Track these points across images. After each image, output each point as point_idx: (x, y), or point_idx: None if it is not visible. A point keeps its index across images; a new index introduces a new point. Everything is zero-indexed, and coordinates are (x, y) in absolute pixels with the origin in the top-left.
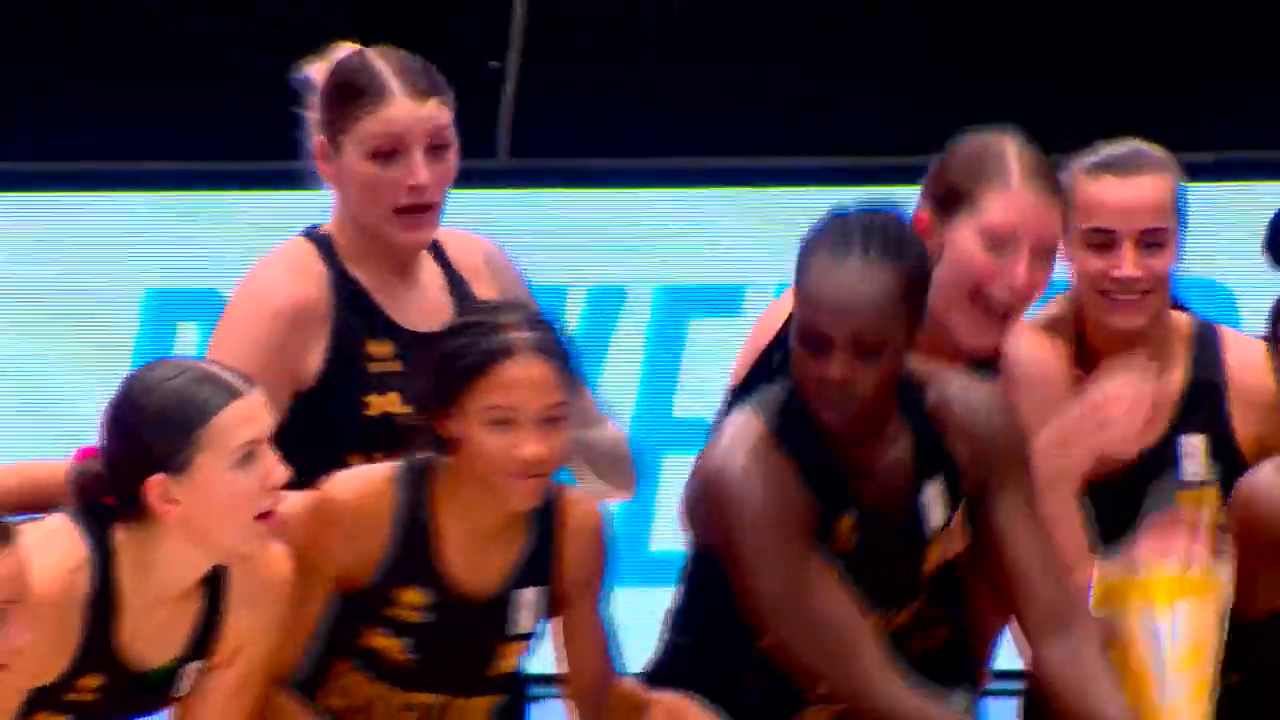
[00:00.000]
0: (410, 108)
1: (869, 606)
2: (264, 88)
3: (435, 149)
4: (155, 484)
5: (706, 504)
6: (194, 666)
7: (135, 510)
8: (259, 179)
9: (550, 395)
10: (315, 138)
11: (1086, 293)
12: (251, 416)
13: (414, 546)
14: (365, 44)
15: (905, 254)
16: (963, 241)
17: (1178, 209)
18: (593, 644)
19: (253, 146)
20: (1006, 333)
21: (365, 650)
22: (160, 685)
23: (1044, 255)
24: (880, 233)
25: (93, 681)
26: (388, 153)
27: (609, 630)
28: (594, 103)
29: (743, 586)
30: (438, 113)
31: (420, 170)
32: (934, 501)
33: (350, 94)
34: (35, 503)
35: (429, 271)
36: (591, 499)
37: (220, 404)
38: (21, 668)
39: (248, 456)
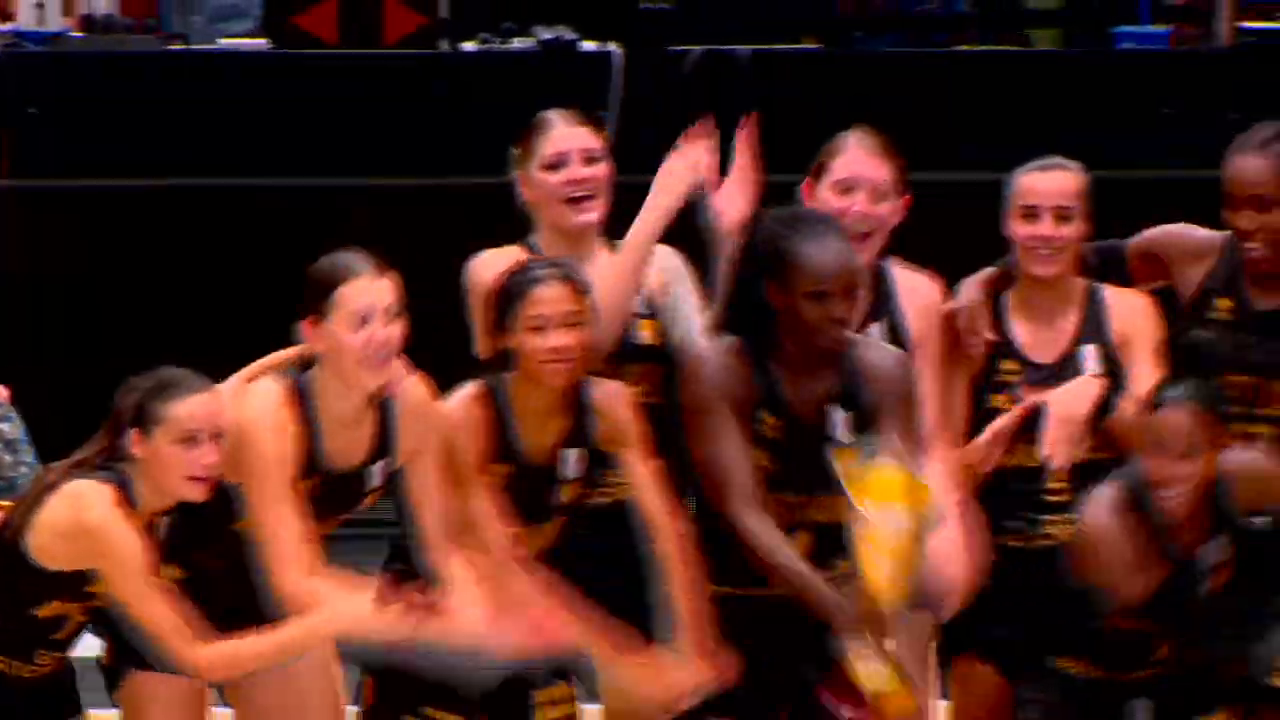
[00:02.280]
0: None
1: (782, 485)
2: None
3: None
4: (306, 326)
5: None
6: (379, 465)
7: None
8: None
9: (568, 304)
10: None
11: (1020, 251)
12: (369, 289)
13: (501, 428)
14: None
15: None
16: (823, 193)
17: (1084, 196)
18: (644, 491)
19: None
20: (868, 249)
21: None
22: (357, 482)
23: (876, 195)
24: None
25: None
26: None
27: (657, 480)
28: None
29: (689, 445)
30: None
31: None
32: (840, 423)
33: None
34: None
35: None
36: (618, 384)
37: (349, 276)
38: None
39: (365, 319)
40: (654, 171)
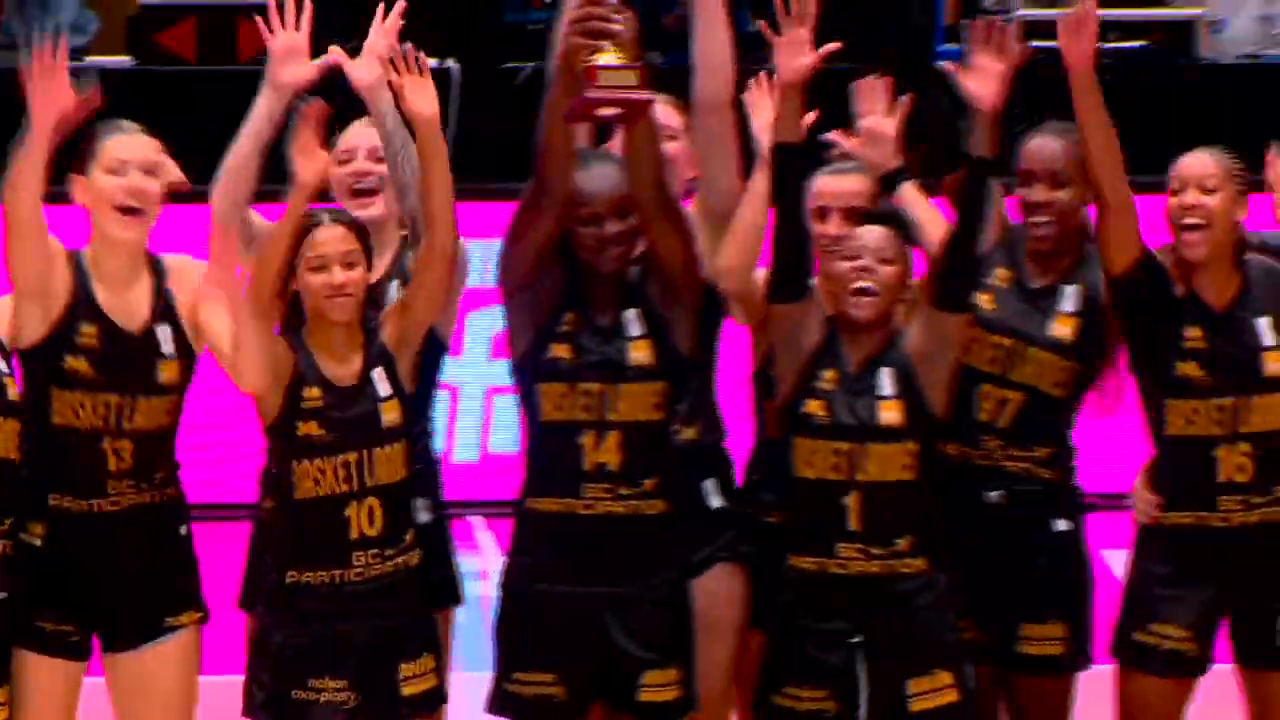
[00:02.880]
0: None
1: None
2: None
3: None
4: (76, 181)
5: None
6: (166, 329)
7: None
8: None
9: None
10: None
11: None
12: (128, 144)
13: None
14: None
15: None
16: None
17: (873, 197)
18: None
19: None
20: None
21: None
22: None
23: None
24: None
25: (89, 330)
26: None
27: None
28: None
29: None
30: None
31: None
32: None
33: None
34: None
35: None
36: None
37: (112, 132)
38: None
39: (119, 169)
40: (489, 173)
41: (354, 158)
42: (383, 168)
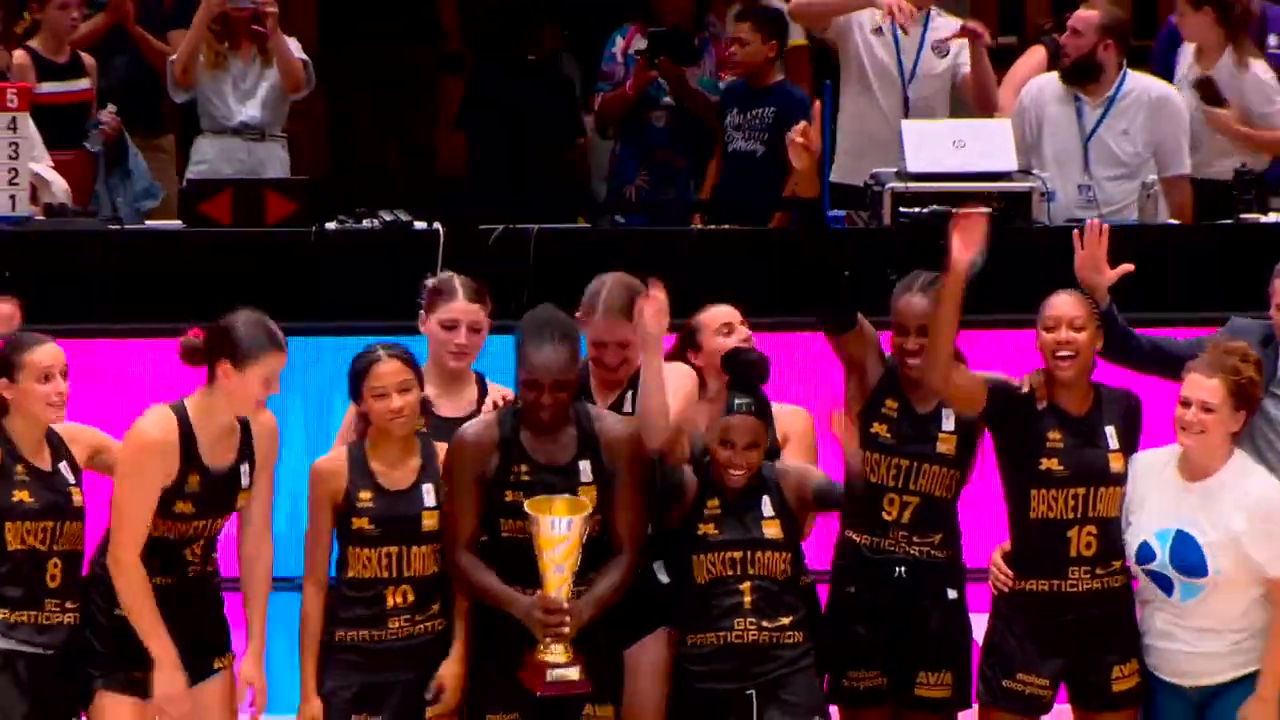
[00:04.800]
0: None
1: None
2: None
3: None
4: (224, 366)
5: None
6: (246, 467)
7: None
8: None
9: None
10: None
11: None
12: (280, 364)
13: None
14: None
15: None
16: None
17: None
18: None
19: None
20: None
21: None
22: (232, 480)
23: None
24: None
25: (194, 479)
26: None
27: None
28: None
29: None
30: None
31: None
32: (585, 471)
33: None
34: None
35: None
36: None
37: (270, 347)
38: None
39: (269, 382)
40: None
41: (458, 326)
42: (480, 338)
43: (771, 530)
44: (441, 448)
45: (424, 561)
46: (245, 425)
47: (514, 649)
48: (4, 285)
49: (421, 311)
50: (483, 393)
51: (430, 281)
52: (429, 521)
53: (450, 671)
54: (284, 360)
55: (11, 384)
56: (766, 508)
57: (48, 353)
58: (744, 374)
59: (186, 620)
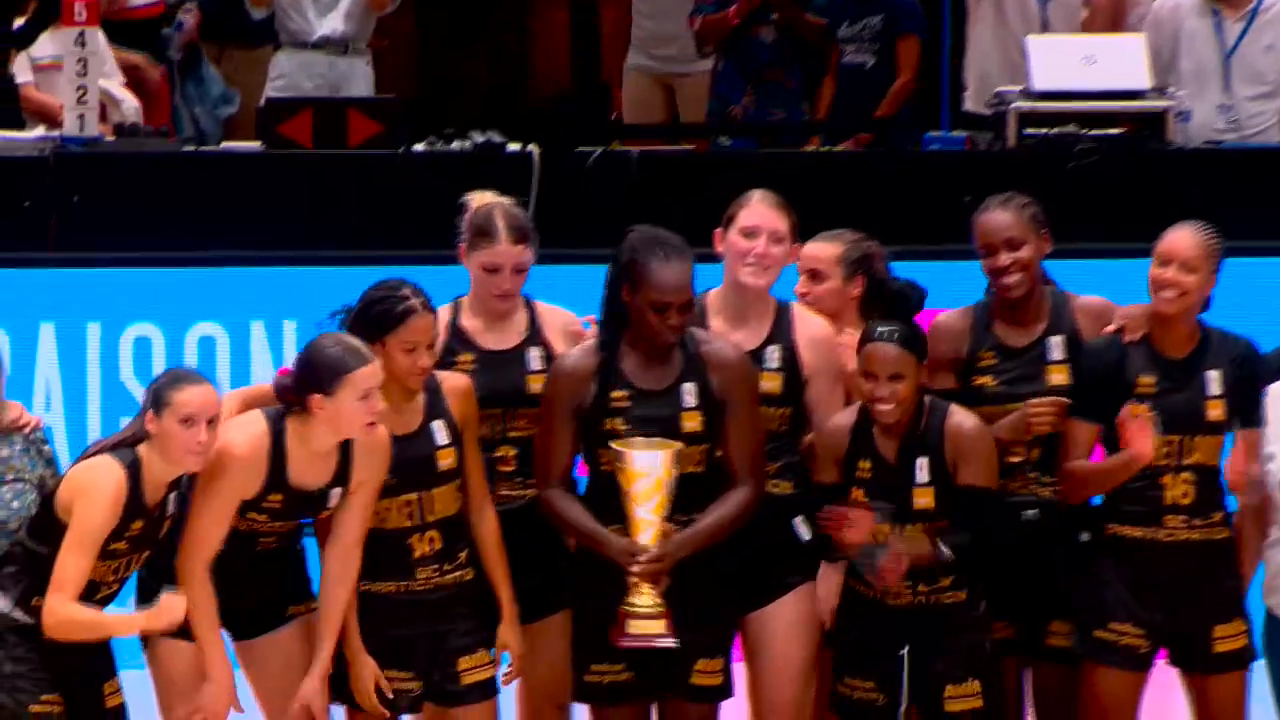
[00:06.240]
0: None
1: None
2: None
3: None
4: (316, 399)
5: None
6: (336, 491)
7: (303, 409)
8: None
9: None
10: None
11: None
12: (372, 376)
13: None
14: None
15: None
16: (731, 237)
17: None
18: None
19: None
20: (766, 280)
21: None
22: (318, 500)
23: (776, 240)
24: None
25: (275, 497)
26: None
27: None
28: None
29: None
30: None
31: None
32: (689, 395)
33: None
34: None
35: None
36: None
37: (357, 365)
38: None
39: (366, 396)
40: (564, 244)
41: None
42: (523, 278)
43: (923, 500)
44: (443, 378)
45: (446, 502)
46: (345, 447)
47: (617, 596)
48: (74, 209)
49: (461, 244)
50: (533, 318)
51: (468, 214)
52: (444, 461)
53: (510, 637)
54: (375, 371)
55: (156, 418)
56: (921, 472)
57: (196, 395)
58: (890, 302)
59: (255, 577)
